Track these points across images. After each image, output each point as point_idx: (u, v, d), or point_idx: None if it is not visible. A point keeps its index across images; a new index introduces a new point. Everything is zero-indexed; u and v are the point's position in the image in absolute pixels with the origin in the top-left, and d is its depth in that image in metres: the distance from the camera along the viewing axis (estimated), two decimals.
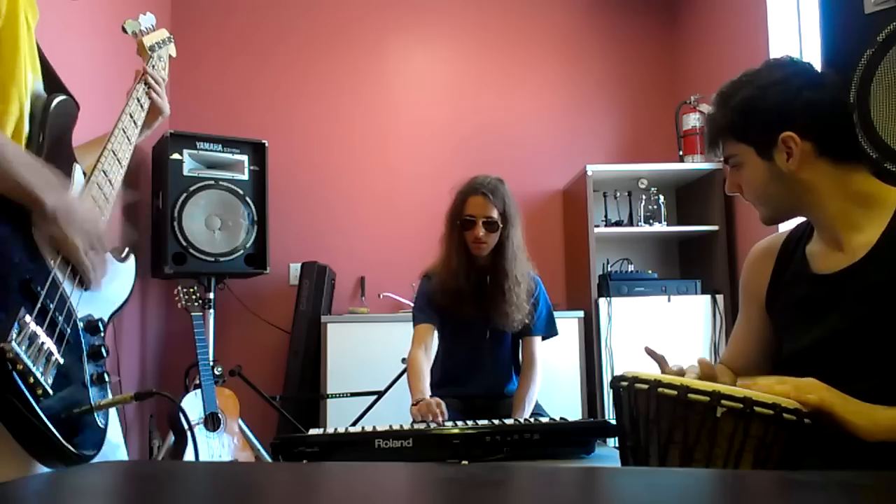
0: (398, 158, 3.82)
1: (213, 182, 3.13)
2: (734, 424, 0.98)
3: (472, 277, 2.18)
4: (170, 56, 1.60)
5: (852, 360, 1.17)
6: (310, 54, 3.84)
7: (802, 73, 1.23)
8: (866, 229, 1.18)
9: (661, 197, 3.52)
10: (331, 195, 3.76)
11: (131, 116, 1.38)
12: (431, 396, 1.91)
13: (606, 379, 3.18)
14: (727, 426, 0.99)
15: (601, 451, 1.59)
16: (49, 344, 1.02)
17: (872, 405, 1.04)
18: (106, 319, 1.22)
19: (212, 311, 3.16)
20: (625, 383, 1.11)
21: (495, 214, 2.13)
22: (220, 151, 3.19)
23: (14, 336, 0.95)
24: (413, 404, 1.93)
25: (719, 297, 3.29)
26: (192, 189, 3.06)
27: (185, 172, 3.09)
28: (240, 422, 2.93)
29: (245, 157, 3.23)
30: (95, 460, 1.07)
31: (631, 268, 3.63)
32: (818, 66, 1.27)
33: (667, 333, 3.22)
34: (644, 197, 3.54)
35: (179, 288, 2.87)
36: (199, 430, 2.76)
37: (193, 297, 2.88)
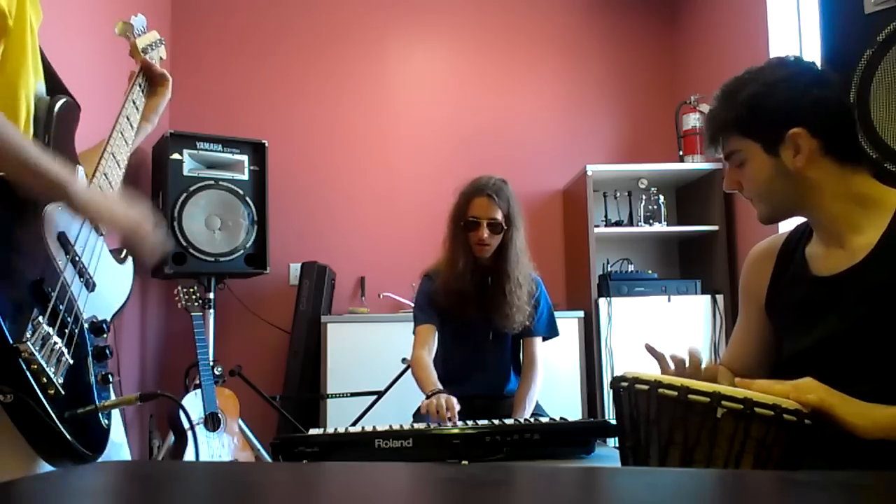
0: (398, 158, 3.82)
1: (213, 182, 3.13)
2: (734, 425, 0.98)
3: (475, 278, 2.18)
4: (161, 58, 1.61)
5: (852, 361, 1.17)
6: (310, 54, 3.84)
7: (807, 72, 1.22)
8: (866, 231, 1.18)
9: (661, 197, 3.52)
10: (331, 195, 3.76)
11: (128, 118, 1.38)
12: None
13: (606, 379, 3.18)
14: (727, 427, 0.99)
15: (601, 451, 1.59)
16: (60, 345, 1.03)
17: (871, 404, 1.04)
18: (109, 321, 1.23)
19: (212, 311, 3.16)
20: (625, 384, 1.11)
21: (499, 216, 2.12)
22: (220, 151, 3.19)
23: (28, 336, 0.95)
24: (427, 397, 1.92)
25: (719, 297, 3.29)
26: (192, 189, 3.06)
27: (185, 172, 3.09)
28: (240, 422, 2.93)
29: (245, 157, 3.23)
30: (99, 459, 1.08)
31: (631, 268, 3.63)
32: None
33: (667, 333, 3.22)
34: (644, 197, 3.54)
35: (179, 288, 2.87)
36: (200, 430, 2.76)
37: (193, 297, 2.88)
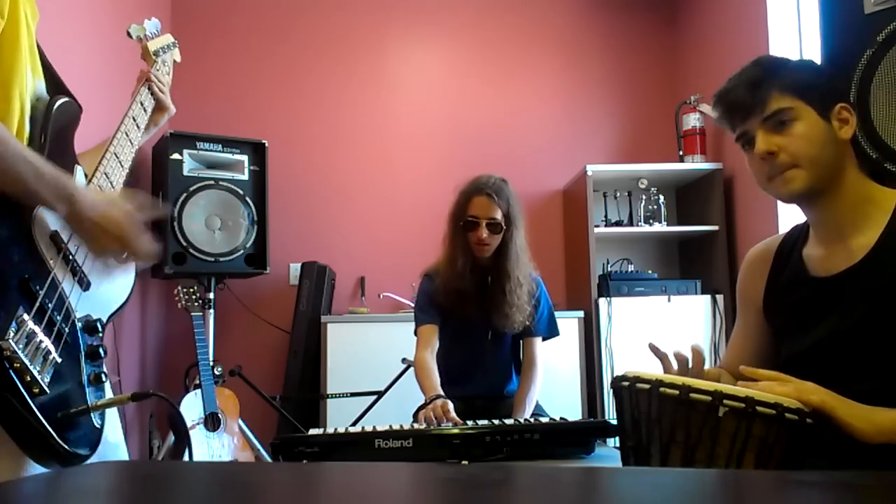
0: (398, 158, 3.82)
1: (213, 182, 3.13)
2: (736, 424, 0.98)
3: (474, 278, 2.17)
4: (174, 61, 1.60)
5: (852, 361, 1.17)
6: (310, 54, 3.84)
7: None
8: (866, 230, 1.18)
9: (661, 197, 3.52)
10: (331, 195, 3.76)
11: (134, 119, 1.38)
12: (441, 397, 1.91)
13: (606, 379, 3.17)
14: (729, 426, 0.99)
15: (601, 451, 1.59)
16: (47, 343, 1.02)
17: (872, 407, 1.04)
18: (105, 320, 1.22)
19: (212, 311, 3.16)
20: (626, 383, 1.11)
21: (499, 216, 2.11)
22: (220, 151, 3.19)
23: (11, 334, 0.95)
24: (426, 402, 1.91)
25: (719, 298, 3.28)
26: (192, 189, 3.06)
27: (185, 172, 3.09)
28: (240, 422, 2.92)
29: (245, 157, 3.23)
30: (93, 459, 1.07)
31: (631, 268, 3.63)
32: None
33: (667, 333, 3.21)
34: (644, 197, 3.54)
35: (179, 288, 2.87)
36: (200, 430, 2.76)
37: (193, 297, 2.88)
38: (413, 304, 3.51)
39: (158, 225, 3.10)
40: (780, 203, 2.96)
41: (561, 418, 1.73)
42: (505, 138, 3.84)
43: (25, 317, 0.99)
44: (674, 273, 3.75)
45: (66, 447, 1.00)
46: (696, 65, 3.79)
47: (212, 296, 3.17)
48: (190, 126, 3.33)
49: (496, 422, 1.64)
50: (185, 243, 3.01)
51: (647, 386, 1.06)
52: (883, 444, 1.01)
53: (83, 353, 1.13)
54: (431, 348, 2.15)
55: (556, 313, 2.37)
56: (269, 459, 2.91)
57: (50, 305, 1.05)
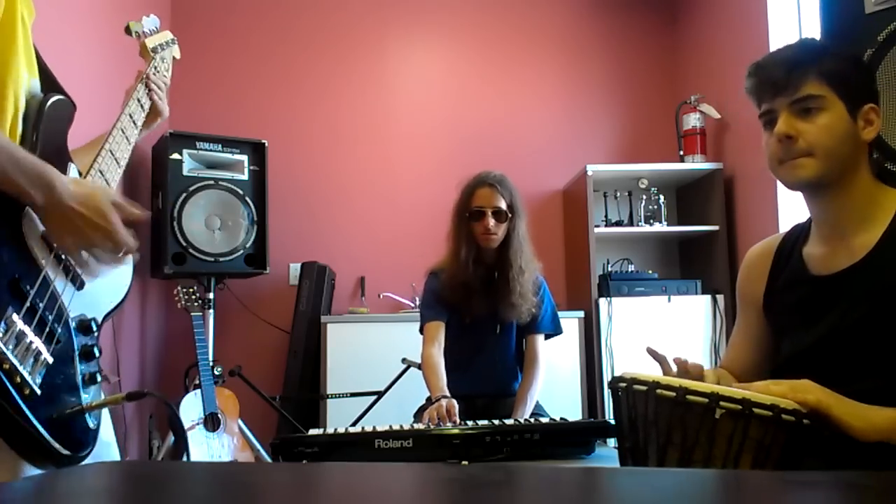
0: (398, 158, 3.82)
1: (212, 182, 3.13)
2: (733, 426, 0.98)
3: (480, 271, 2.19)
4: (174, 58, 1.59)
5: (852, 359, 1.17)
6: (310, 54, 3.84)
7: None
8: (867, 230, 1.19)
9: (662, 197, 3.52)
10: (331, 195, 3.76)
11: (131, 117, 1.37)
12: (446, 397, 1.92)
13: (606, 379, 3.17)
14: (726, 427, 0.99)
15: (601, 451, 1.59)
16: (38, 343, 1.01)
17: (868, 406, 1.04)
18: (100, 319, 1.20)
19: (211, 311, 3.16)
20: (623, 384, 1.11)
21: (503, 205, 2.15)
22: (219, 151, 3.19)
23: (0, 335, 0.94)
24: (432, 401, 1.92)
25: (719, 298, 3.28)
26: (191, 189, 3.06)
27: (185, 172, 3.09)
28: (240, 422, 2.92)
29: (245, 157, 3.23)
30: (87, 460, 1.07)
31: (631, 268, 3.63)
32: None
33: (667, 334, 3.22)
34: (644, 197, 3.54)
35: (179, 288, 2.86)
36: (199, 431, 2.76)
37: (193, 297, 2.88)
38: (413, 304, 3.54)
39: (158, 225, 3.10)
40: (780, 203, 2.97)
41: (561, 418, 1.73)
42: (505, 138, 3.84)
43: (15, 317, 0.97)
44: (674, 273, 3.75)
45: (59, 448, 0.99)
46: (696, 65, 3.79)
47: (211, 296, 3.17)
48: (190, 126, 3.34)
49: (496, 422, 1.64)
50: (184, 243, 3.01)
51: (644, 387, 1.06)
52: (880, 443, 1.01)
53: (77, 353, 1.12)
54: (438, 344, 2.16)
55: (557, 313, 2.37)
56: (268, 460, 2.91)
57: (41, 305, 1.03)
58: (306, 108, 3.80)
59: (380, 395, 2.77)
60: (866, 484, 0.64)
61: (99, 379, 1.15)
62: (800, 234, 1.32)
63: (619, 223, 3.60)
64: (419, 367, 2.39)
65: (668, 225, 3.52)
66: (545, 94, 3.92)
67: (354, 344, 3.23)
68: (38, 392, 0.98)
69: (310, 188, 3.74)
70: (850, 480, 0.65)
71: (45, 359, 1.02)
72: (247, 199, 3.18)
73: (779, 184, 1.38)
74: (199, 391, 2.80)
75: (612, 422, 1.27)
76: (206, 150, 3.16)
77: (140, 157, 3.25)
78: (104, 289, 1.23)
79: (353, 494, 0.61)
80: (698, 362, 1.23)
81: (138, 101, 1.41)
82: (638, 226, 3.52)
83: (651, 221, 3.49)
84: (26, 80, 1.14)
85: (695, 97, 3.56)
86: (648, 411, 1.05)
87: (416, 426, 1.62)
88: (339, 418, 2.93)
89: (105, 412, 1.18)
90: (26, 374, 0.96)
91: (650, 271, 3.44)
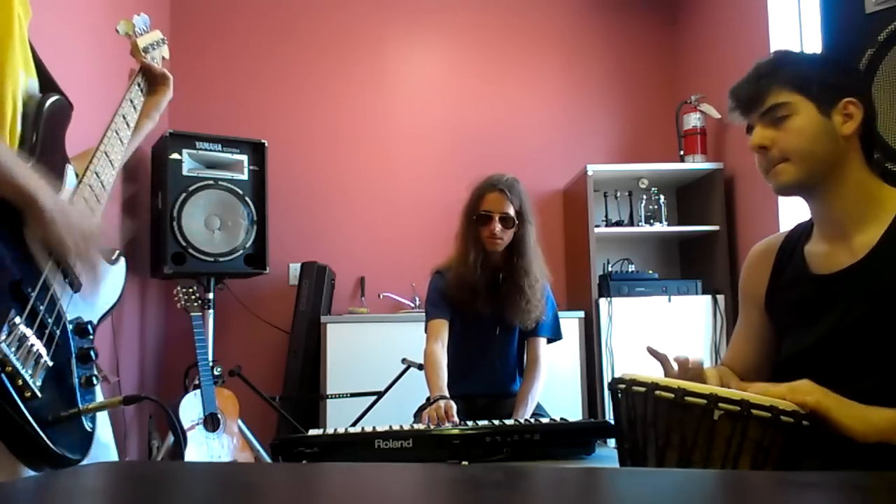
0: (398, 158, 3.82)
1: (212, 182, 3.12)
2: (731, 427, 0.98)
3: (486, 273, 2.19)
4: (163, 58, 1.60)
5: (853, 359, 1.17)
6: (310, 54, 3.84)
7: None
8: (868, 229, 1.19)
9: (662, 197, 3.52)
10: (331, 195, 3.76)
11: (124, 118, 1.37)
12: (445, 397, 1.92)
13: (607, 379, 3.17)
14: (724, 429, 0.98)
15: (601, 451, 1.59)
16: (38, 346, 1.01)
17: (867, 406, 1.04)
18: (95, 322, 1.21)
19: (211, 311, 3.15)
20: (622, 385, 1.11)
21: (511, 211, 2.14)
22: (219, 151, 3.19)
23: (3, 337, 0.94)
24: (430, 402, 1.92)
25: (720, 298, 3.28)
26: (191, 189, 3.06)
27: (185, 172, 3.09)
28: (239, 422, 2.92)
29: (244, 157, 3.23)
30: (85, 462, 1.06)
31: (631, 268, 3.63)
32: None
33: (667, 334, 3.22)
34: (644, 197, 3.54)
35: (179, 288, 2.86)
36: (199, 431, 2.75)
37: (193, 297, 2.88)
38: (413, 304, 3.54)
39: (158, 225, 3.10)
40: (780, 202, 2.97)
41: (561, 419, 1.72)
42: (505, 138, 3.84)
43: (17, 320, 0.97)
44: (674, 273, 3.75)
45: (57, 451, 0.99)
46: (696, 65, 3.79)
47: (211, 296, 3.17)
48: (189, 126, 3.34)
49: (496, 422, 1.64)
50: (184, 243, 3.01)
51: (643, 389, 1.06)
52: (880, 445, 1.01)
53: (74, 356, 1.12)
54: (442, 341, 2.17)
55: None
56: (268, 460, 2.91)
57: (42, 308, 1.03)
58: (306, 108, 3.80)
59: (380, 395, 2.77)
60: (866, 484, 0.64)
61: (95, 381, 1.15)
62: (802, 232, 1.32)
63: (619, 223, 3.60)
64: (419, 367, 2.39)
65: (668, 225, 3.52)
66: (545, 93, 3.92)
67: (354, 344, 3.23)
68: (39, 395, 0.98)
69: (310, 188, 3.74)
70: (849, 481, 0.65)
71: (45, 362, 1.02)
72: (246, 199, 3.18)
73: None
74: (198, 391, 2.80)
75: (612, 422, 1.28)
76: (205, 149, 3.16)
77: (140, 157, 3.25)
78: (99, 292, 1.23)
79: (353, 495, 0.61)
80: (699, 357, 1.23)
81: (131, 101, 1.40)
82: (638, 226, 3.51)
83: (651, 221, 3.49)
84: (24, 80, 1.14)
85: (695, 97, 3.56)
86: (647, 412, 1.05)
87: (415, 426, 1.62)
88: (338, 418, 2.93)
89: (104, 414, 1.18)
90: (28, 377, 0.96)
91: (650, 271, 3.44)
